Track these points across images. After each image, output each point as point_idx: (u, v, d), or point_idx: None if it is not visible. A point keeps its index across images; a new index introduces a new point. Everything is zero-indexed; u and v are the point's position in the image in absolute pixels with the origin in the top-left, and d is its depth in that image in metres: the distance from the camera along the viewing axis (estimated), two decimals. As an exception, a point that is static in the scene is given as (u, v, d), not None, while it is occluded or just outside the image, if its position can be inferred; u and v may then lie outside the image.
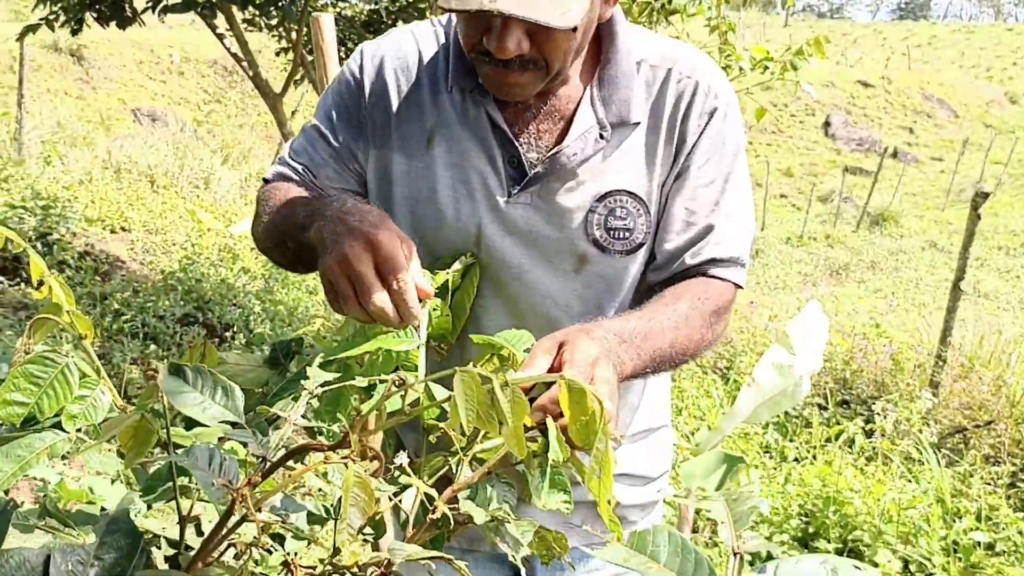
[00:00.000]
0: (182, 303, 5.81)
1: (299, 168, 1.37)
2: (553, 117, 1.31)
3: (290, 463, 0.75)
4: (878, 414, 4.90)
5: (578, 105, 1.31)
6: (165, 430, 0.93)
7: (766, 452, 4.64)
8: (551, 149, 1.30)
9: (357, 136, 1.36)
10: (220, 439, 1.01)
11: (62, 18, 4.66)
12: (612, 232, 1.31)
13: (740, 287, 1.36)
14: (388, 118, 1.34)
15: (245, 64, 4.70)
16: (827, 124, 26.05)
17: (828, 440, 4.86)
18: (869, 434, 4.91)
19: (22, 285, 6.03)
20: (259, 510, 0.77)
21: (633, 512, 1.53)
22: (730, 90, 1.37)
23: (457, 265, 1.31)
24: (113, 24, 4.71)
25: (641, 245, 1.33)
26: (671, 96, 1.32)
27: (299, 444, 0.70)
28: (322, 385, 1.11)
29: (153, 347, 5.14)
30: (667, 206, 1.34)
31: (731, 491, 0.99)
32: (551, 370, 0.99)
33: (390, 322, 1.06)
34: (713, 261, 1.33)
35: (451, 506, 0.91)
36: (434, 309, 1.29)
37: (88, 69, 17.84)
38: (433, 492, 0.92)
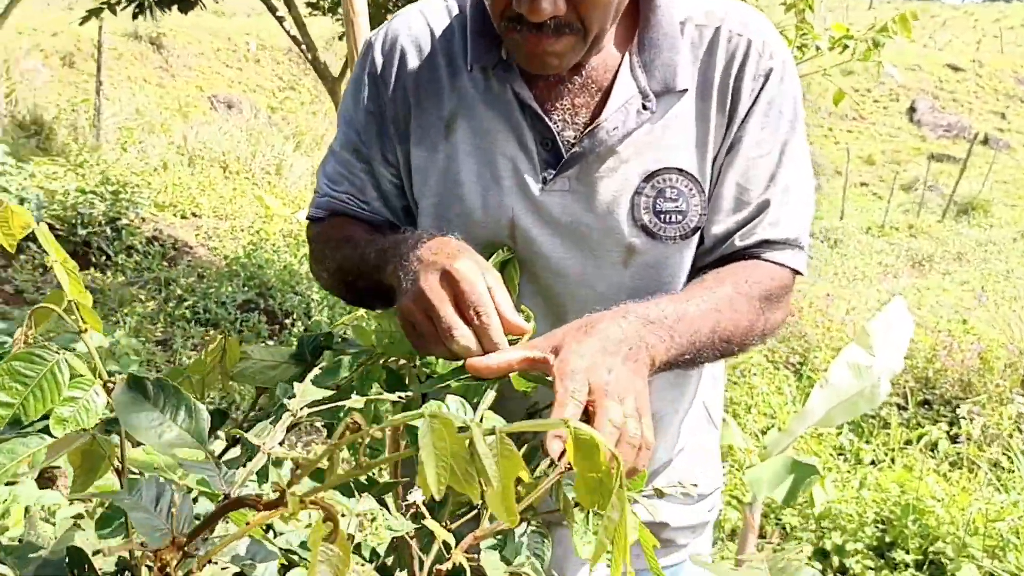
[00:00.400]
0: (244, 289, 5.80)
1: (344, 198, 1.26)
2: (589, 90, 1.16)
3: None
4: (964, 417, 4.60)
5: (616, 73, 1.15)
6: (120, 453, 0.81)
7: (840, 454, 4.39)
8: (589, 125, 1.15)
9: (385, 138, 1.24)
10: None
11: (123, 3, 4.64)
12: (663, 216, 1.16)
13: (799, 273, 1.20)
14: (408, 108, 1.21)
15: (304, 47, 4.63)
16: (912, 109, 25.10)
17: (908, 443, 4.59)
18: (954, 438, 4.61)
19: (91, 270, 6.10)
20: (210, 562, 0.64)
21: (682, 535, 1.36)
22: (786, 49, 1.21)
23: (495, 258, 1.17)
24: (175, 8, 4.67)
25: (696, 229, 1.17)
26: (721, 57, 1.16)
27: (232, 499, 0.55)
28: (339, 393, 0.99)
29: (214, 333, 5.11)
30: (717, 183, 1.18)
31: (776, 559, 0.82)
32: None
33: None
34: (766, 243, 1.18)
35: (470, 556, 0.78)
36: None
37: (167, 57, 18.16)
38: (450, 538, 0.78)
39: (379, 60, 1.23)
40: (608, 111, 1.13)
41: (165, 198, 7.77)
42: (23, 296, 5.22)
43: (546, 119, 1.15)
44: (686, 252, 1.19)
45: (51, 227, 5.91)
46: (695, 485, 1.28)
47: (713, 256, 1.20)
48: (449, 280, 0.95)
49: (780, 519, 3.81)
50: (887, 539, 3.65)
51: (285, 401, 0.84)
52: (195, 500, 0.82)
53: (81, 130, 10.37)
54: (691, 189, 1.16)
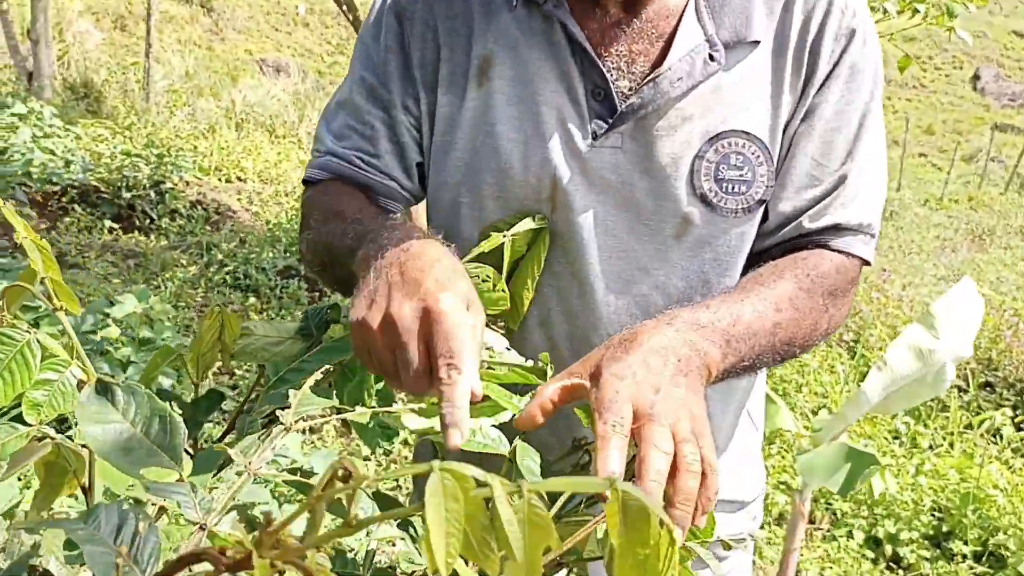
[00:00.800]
0: (286, 255, 5.74)
1: (350, 155, 1.11)
2: (648, 35, 1.02)
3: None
4: (1029, 401, 4.38)
5: (680, 18, 1.02)
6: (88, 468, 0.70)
7: (895, 438, 4.20)
8: (648, 75, 1.01)
9: (407, 81, 1.09)
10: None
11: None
12: (725, 185, 1.02)
13: (867, 263, 1.07)
14: (437, 50, 1.07)
15: (345, 8, 4.51)
16: (976, 78, 24.27)
17: (968, 427, 4.38)
18: (1019, 425, 4.39)
19: (135, 233, 6.09)
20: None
21: (721, 546, 1.23)
22: (867, 9, 1.07)
23: (522, 226, 1.04)
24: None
25: (761, 203, 1.04)
26: (799, 10, 1.02)
27: (189, 553, 0.44)
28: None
29: (253, 299, 5.07)
30: (788, 154, 1.05)
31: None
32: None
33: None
34: (836, 228, 1.05)
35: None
36: (485, 279, 1.02)
37: (217, 20, 18.17)
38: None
39: None
40: (671, 59, 1.00)
41: (210, 162, 7.74)
42: (66, 260, 5.21)
43: (600, 65, 1.01)
44: (747, 228, 1.06)
45: (96, 189, 5.92)
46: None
47: (775, 238, 1.07)
48: (427, 318, 0.79)
49: (831, 504, 3.65)
50: (944, 529, 3.48)
51: (279, 413, 0.72)
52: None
53: (130, 93, 10.39)
54: (758, 157, 1.02)
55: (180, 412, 1.13)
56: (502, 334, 1.06)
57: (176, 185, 6.64)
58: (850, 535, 3.48)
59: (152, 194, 6.40)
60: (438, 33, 1.07)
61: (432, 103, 1.08)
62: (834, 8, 1.02)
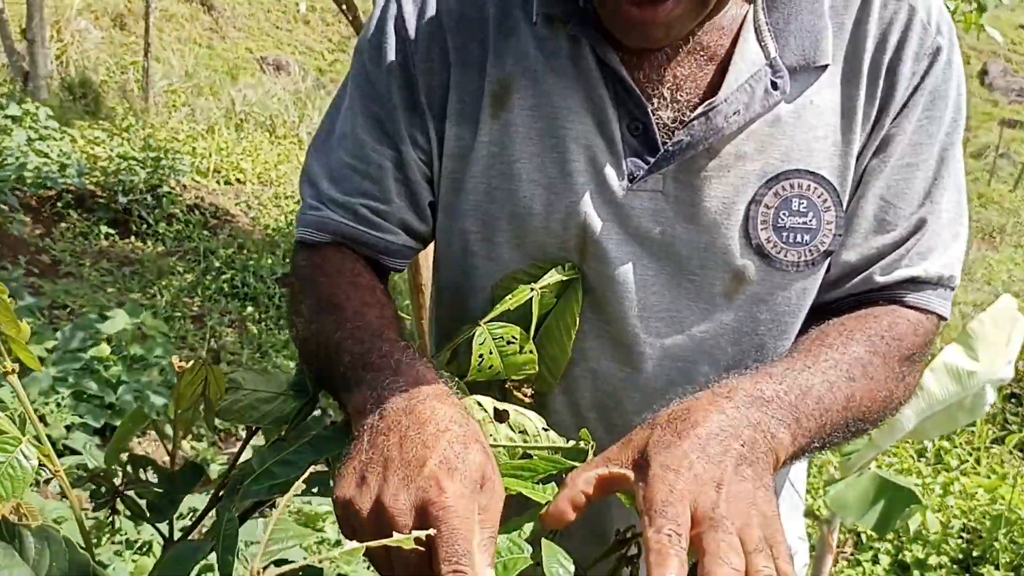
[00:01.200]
0: (284, 261, 5.59)
1: (355, 206, 0.94)
2: (697, 57, 0.87)
3: None
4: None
5: (737, 36, 0.86)
6: None
7: (920, 456, 4.04)
8: (697, 106, 0.85)
9: (414, 112, 0.93)
10: None
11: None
12: (785, 234, 0.87)
13: (944, 319, 0.92)
14: (446, 75, 0.91)
15: (344, 7, 4.35)
16: (984, 73, 24.06)
17: (994, 441, 4.22)
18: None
19: (132, 239, 5.94)
20: None
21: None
22: (952, 24, 0.91)
23: (550, 278, 0.88)
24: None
25: (827, 254, 0.89)
26: (874, 25, 0.87)
27: None
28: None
29: (251, 308, 4.91)
30: (857, 194, 0.89)
31: None
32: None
33: None
34: (913, 282, 0.90)
35: None
36: (511, 341, 0.87)
37: (217, 18, 17.98)
38: None
39: (408, 7, 0.93)
40: (727, 89, 0.84)
41: (209, 164, 7.58)
42: (59, 267, 5.06)
43: (639, 94, 0.85)
44: (809, 284, 0.90)
45: (92, 193, 5.78)
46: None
47: (839, 291, 0.92)
48: (428, 513, 0.63)
49: (854, 525, 3.49)
50: (974, 553, 3.32)
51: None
52: None
53: (129, 93, 10.24)
54: (825, 201, 0.87)
55: (156, 484, 0.98)
56: (529, 402, 0.91)
57: (174, 189, 6.49)
58: (875, 560, 3.32)
59: (149, 198, 6.24)
60: (448, 53, 0.91)
61: (441, 135, 0.92)
62: (915, 23, 0.86)
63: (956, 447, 4.12)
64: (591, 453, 0.79)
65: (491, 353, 0.84)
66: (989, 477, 3.76)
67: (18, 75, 8.92)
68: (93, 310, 4.09)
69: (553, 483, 0.79)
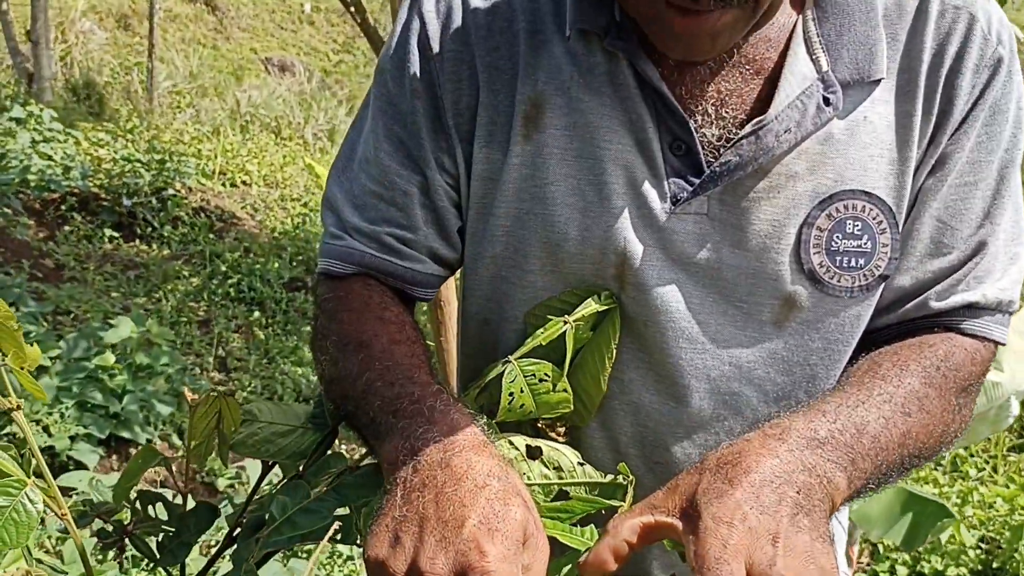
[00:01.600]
0: (292, 265, 5.54)
1: (381, 235, 0.89)
2: (743, 71, 0.82)
3: None
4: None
5: (785, 49, 0.81)
6: None
7: (937, 465, 3.98)
8: (744, 123, 0.80)
9: (440, 134, 0.87)
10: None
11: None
12: (839, 259, 0.82)
13: (1001, 344, 0.87)
14: (475, 93, 0.86)
15: (352, 9, 4.31)
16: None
17: (1012, 449, 4.16)
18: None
19: (136, 242, 5.89)
20: None
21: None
22: (1012, 32, 0.85)
23: (585, 309, 0.83)
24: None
25: (882, 279, 0.84)
26: (931, 36, 0.82)
27: None
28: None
29: (257, 313, 4.87)
30: (912, 215, 0.85)
31: None
32: None
33: None
34: (970, 307, 0.85)
35: None
36: (543, 379, 0.82)
37: (222, 19, 17.96)
38: None
39: (432, 22, 0.87)
40: (778, 105, 0.79)
41: (215, 166, 7.54)
42: (63, 272, 5.01)
43: (682, 111, 0.80)
44: (864, 310, 0.86)
45: (97, 196, 5.74)
46: None
47: (891, 317, 0.87)
48: (467, 571, 0.59)
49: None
50: (994, 564, 3.27)
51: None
52: None
53: (134, 94, 10.22)
54: (881, 223, 0.82)
55: (167, 523, 0.93)
56: (564, 440, 0.86)
57: (179, 192, 6.44)
58: (892, 571, 3.27)
59: (154, 201, 6.20)
60: (476, 71, 0.85)
61: (468, 157, 0.87)
62: (975, 33, 0.81)
63: (973, 455, 4.06)
64: (630, 489, 0.75)
65: (522, 392, 0.79)
66: (1008, 486, 3.70)
67: (22, 77, 8.88)
68: (97, 316, 4.04)
69: (592, 525, 0.74)
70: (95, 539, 0.93)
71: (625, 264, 0.82)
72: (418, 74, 0.86)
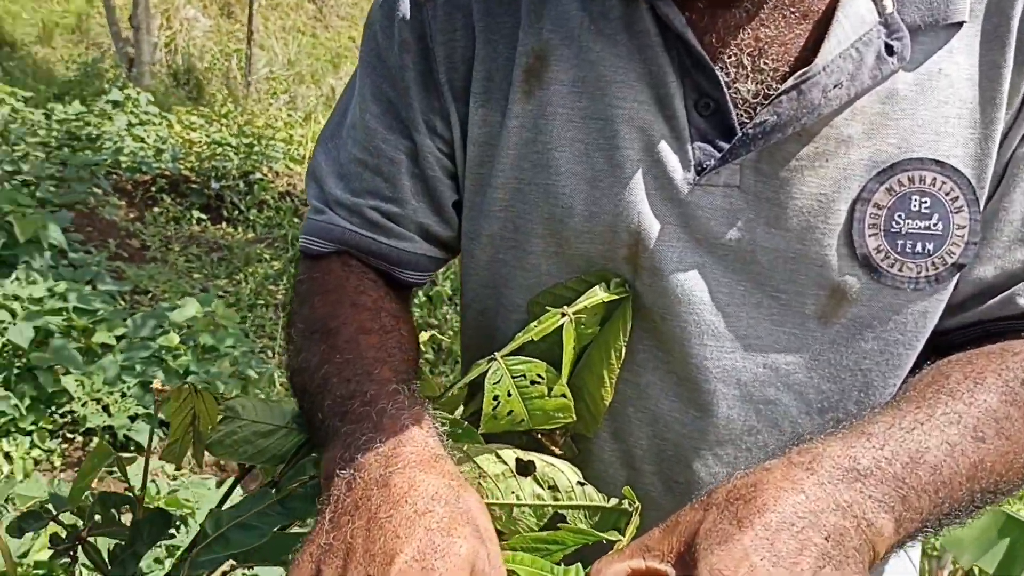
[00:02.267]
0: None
1: (364, 209, 0.78)
2: (787, 14, 0.66)
3: None
4: None
5: None
6: None
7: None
8: (787, 76, 0.66)
9: (431, 93, 0.75)
10: None
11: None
12: (901, 242, 0.67)
13: None
14: (471, 47, 0.73)
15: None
16: None
17: None
18: None
19: (223, 224, 5.96)
20: None
21: None
22: None
23: (589, 299, 0.70)
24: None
25: (957, 267, 0.68)
26: None
27: None
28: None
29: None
30: (998, 192, 0.69)
31: None
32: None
33: None
34: None
35: None
36: (536, 381, 0.68)
37: (321, 7, 18.26)
38: None
39: None
40: (827, 54, 0.63)
41: (305, 150, 7.59)
42: (146, 252, 5.08)
43: (710, 63, 0.65)
44: (931, 305, 0.70)
45: (186, 179, 5.82)
46: None
47: (966, 316, 0.72)
48: None
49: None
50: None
51: None
52: None
53: (232, 80, 10.43)
54: (956, 199, 0.66)
55: (125, 529, 0.83)
56: (564, 454, 0.72)
57: (266, 176, 6.50)
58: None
59: (241, 184, 6.26)
60: (472, 19, 0.72)
61: (463, 118, 0.74)
62: None
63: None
64: (635, 516, 0.61)
65: (509, 396, 0.65)
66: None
67: (123, 61, 9.14)
68: (175, 296, 4.06)
69: (578, 564, 0.61)
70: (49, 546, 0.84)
71: (639, 245, 0.69)
72: (408, 24, 0.74)
